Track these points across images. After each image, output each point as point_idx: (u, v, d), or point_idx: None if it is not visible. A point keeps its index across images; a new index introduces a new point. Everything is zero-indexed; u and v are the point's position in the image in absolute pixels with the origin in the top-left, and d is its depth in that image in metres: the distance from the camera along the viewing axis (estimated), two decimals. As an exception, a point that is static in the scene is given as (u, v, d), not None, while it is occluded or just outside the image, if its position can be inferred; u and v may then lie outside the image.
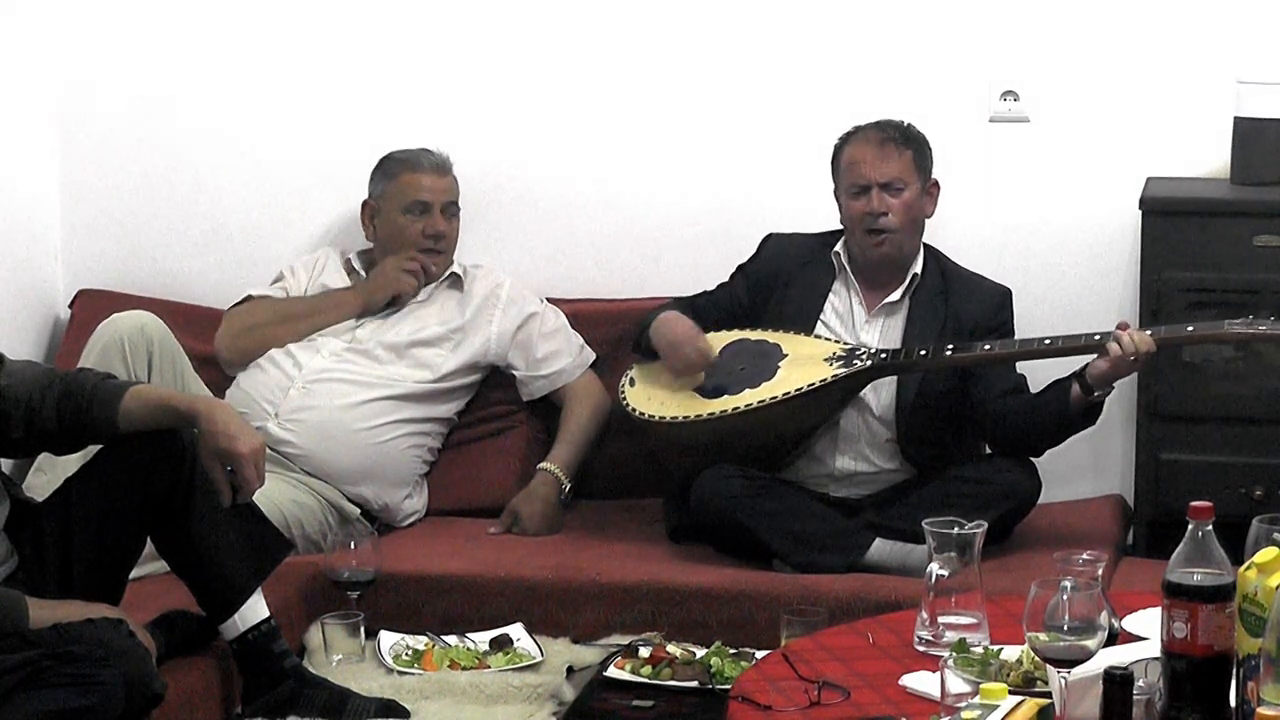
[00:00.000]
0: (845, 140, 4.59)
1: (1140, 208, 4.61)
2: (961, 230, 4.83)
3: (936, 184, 4.59)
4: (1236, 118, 4.66)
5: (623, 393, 4.58)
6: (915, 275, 4.58)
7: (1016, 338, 4.55)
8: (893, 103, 4.84)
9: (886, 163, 4.51)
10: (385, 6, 5.06)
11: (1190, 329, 4.31)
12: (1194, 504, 2.84)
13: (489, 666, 4.11)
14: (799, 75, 4.94)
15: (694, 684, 3.92)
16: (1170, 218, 4.57)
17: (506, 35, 5.03)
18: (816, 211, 4.69)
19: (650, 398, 4.53)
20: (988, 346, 4.41)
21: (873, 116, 4.61)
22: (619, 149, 5.03)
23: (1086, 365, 4.32)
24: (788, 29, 4.93)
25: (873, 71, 4.91)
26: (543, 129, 5.05)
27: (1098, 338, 4.29)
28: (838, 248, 4.61)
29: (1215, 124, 4.73)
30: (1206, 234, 4.54)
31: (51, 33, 5.11)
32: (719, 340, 4.57)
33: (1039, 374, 4.50)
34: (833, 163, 4.59)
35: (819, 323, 4.57)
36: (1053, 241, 4.89)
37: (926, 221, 4.58)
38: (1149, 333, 4.26)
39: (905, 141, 4.54)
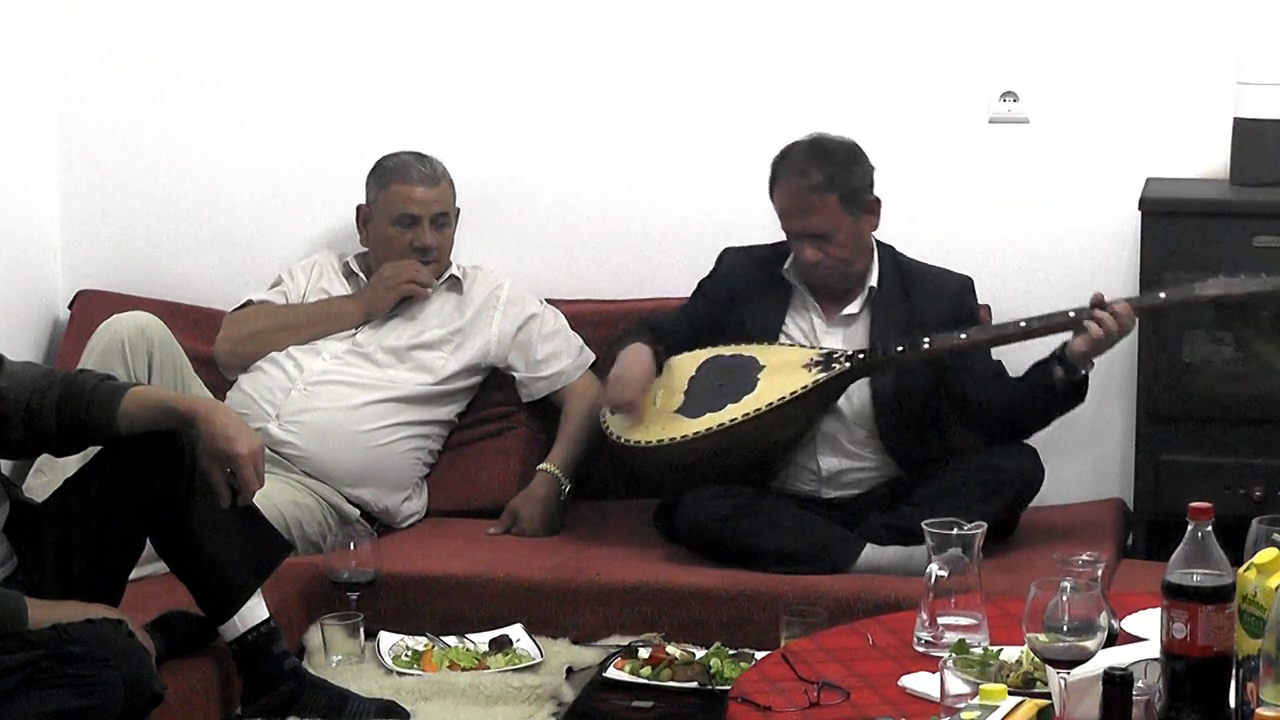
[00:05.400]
0: (774, 175, 4.45)
1: (1140, 209, 4.61)
2: (960, 231, 4.84)
3: (877, 201, 4.45)
4: (1236, 118, 4.66)
5: (604, 421, 4.52)
6: (872, 288, 4.50)
7: (993, 322, 4.53)
8: (893, 104, 4.85)
9: (810, 216, 4.39)
10: (385, 8, 5.06)
11: (1162, 295, 4.33)
12: (1193, 505, 2.84)
13: (488, 667, 4.11)
14: (799, 76, 4.93)
15: (694, 685, 3.92)
16: (1170, 219, 4.57)
17: (506, 37, 5.03)
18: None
19: (633, 424, 4.46)
20: (963, 335, 4.38)
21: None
22: (619, 150, 5.03)
23: (1065, 345, 4.31)
24: (787, 29, 4.93)
25: (873, 73, 4.90)
26: (542, 130, 5.05)
27: (1072, 315, 4.29)
28: (788, 265, 4.53)
29: (1215, 125, 4.73)
30: (1206, 235, 4.53)
31: (52, 32, 5.11)
32: (693, 360, 4.51)
33: (1020, 356, 4.49)
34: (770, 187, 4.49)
35: (781, 336, 4.51)
36: (1052, 242, 4.89)
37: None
38: (1121, 305, 4.26)
39: (829, 185, 4.36)
